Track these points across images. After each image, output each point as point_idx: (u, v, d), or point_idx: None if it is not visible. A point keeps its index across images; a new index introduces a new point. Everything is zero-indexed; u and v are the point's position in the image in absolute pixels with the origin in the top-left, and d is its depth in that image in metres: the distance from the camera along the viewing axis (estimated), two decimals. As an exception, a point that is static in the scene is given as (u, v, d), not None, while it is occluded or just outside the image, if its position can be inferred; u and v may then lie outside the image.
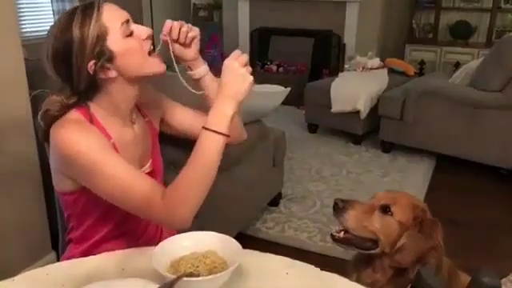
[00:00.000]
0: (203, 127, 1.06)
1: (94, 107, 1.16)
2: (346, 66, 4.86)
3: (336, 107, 3.96)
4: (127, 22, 1.12)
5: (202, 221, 2.01)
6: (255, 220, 2.76)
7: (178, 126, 1.42)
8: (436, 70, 5.34)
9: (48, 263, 1.05)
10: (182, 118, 1.41)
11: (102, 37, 1.09)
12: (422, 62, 5.36)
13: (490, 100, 3.23)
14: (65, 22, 1.09)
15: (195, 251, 0.99)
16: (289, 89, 2.53)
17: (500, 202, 3.03)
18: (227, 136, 1.06)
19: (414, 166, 3.61)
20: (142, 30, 1.15)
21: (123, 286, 0.92)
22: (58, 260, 1.37)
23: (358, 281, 1.21)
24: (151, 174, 1.28)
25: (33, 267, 1.11)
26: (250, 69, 1.09)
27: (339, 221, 1.29)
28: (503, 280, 1.03)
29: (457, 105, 3.37)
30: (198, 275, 0.91)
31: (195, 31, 1.21)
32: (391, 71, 4.53)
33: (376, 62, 4.56)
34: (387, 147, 3.86)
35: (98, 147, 1.07)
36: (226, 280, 0.92)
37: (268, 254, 1.08)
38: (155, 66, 1.16)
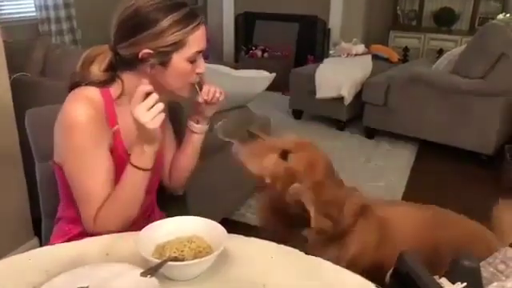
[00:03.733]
0: (129, 163, 1.12)
1: (115, 92, 1.19)
2: (330, 52, 4.86)
3: (321, 93, 3.97)
4: (200, 52, 1.18)
5: (185, 206, 2.03)
6: (240, 205, 2.77)
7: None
8: (420, 56, 5.37)
9: (30, 249, 1.03)
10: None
11: (177, 45, 1.13)
12: (405, 49, 5.38)
13: (473, 87, 3.26)
14: (167, 6, 1.12)
15: (180, 236, 0.99)
16: (274, 74, 2.52)
17: (480, 187, 3.09)
18: (148, 170, 1.13)
19: (397, 152, 3.65)
20: (202, 66, 1.21)
21: (108, 271, 0.91)
22: (41, 245, 1.36)
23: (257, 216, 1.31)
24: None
25: (15, 253, 1.09)
26: (159, 107, 1.06)
27: (236, 150, 1.29)
28: (482, 263, 1.05)
29: (440, 91, 3.41)
30: (183, 259, 0.91)
31: (223, 95, 1.30)
32: (375, 57, 4.55)
33: (361, 48, 4.57)
34: (371, 133, 3.89)
35: (91, 142, 1.12)
36: (210, 264, 0.93)
37: (253, 239, 1.08)
38: (185, 93, 1.24)
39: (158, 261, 0.88)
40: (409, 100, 3.57)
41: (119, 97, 1.19)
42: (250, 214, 2.71)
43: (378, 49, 4.74)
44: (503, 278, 1.12)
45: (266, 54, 5.51)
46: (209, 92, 1.26)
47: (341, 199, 1.28)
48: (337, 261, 1.01)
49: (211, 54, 5.64)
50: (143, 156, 1.11)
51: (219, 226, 1.00)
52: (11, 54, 1.94)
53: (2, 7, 4.22)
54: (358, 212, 1.32)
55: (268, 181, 1.27)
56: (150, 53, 1.12)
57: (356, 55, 4.49)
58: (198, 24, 1.15)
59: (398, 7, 5.69)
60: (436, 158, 3.53)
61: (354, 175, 3.21)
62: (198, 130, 1.36)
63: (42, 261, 0.98)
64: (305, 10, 5.39)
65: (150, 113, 1.04)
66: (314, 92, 3.99)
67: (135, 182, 1.13)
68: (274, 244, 1.06)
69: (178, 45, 1.13)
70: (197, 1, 6.39)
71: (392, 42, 5.52)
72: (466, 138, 3.37)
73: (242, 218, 2.66)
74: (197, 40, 1.15)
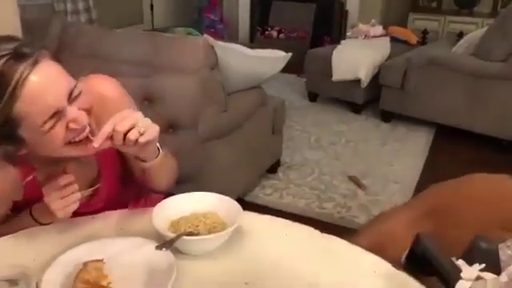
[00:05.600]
0: (30, 212, 1.01)
1: None
2: (348, 34, 4.77)
3: (337, 75, 3.91)
4: (57, 113, 0.86)
5: (199, 185, 2.03)
6: (253, 186, 2.76)
7: None
8: (439, 39, 5.26)
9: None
10: None
11: (13, 122, 0.84)
12: (425, 31, 5.25)
13: (494, 70, 3.18)
14: None
15: (195, 212, 0.99)
16: (290, 54, 2.49)
17: (500, 173, 3.03)
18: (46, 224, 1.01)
19: (413, 136, 3.60)
20: (75, 117, 0.88)
21: (122, 244, 0.92)
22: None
23: None
24: (93, 197, 1.13)
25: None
26: (73, 198, 0.95)
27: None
28: (500, 245, 1.03)
29: (459, 75, 3.33)
30: (198, 234, 0.91)
31: (150, 135, 0.88)
32: (393, 40, 4.45)
33: (378, 29, 4.48)
34: (387, 116, 3.84)
35: None
36: (225, 240, 0.92)
37: (268, 216, 1.08)
38: (78, 152, 0.94)
39: (173, 235, 0.88)
40: (427, 83, 3.50)
41: None
42: (263, 195, 2.71)
43: (397, 31, 4.64)
44: (522, 262, 1.10)
45: (281, 35, 5.44)
46: (113, 138, 0.88)
47: None
48: None
49: (226, 34, 5.60)
50: (48, 216, 0.98)
51: (235, 202, 0.99)
52: (27, 31, 1.94)
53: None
54: None
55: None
56: None
57: (374, 37, 4.39)
58: (24, 78, 0.81)
59: (417, -11, 5.57)
60: (454, 143, 3.46)
61: (370, 158, 3.19)
62: (149, 166, 1.01)
63: (60, 233, 0.99)
64: (322, -10, 5.30)
65: (63, 201, 0.93)
66: (330, 74, 3.94)
67: (25, 226, 1.01)
68: (289, 221, 1.05)
69: (15, 121, 0.84)
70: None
71: (411, 24, 5.41)
72: (485, 123, 3.30)
73: (255, 199, 2.67)
74: (34, 104, 0.83)
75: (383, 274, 0.88)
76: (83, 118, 0.89)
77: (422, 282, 0.96)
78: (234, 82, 2.23)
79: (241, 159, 2.40)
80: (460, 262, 0.95)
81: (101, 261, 0.86)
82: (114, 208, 1.11)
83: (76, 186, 0.96)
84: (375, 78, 3.82)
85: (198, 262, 0.90)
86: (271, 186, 2.81)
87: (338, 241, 0.97)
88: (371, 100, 4.00)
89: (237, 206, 0.98)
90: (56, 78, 0.86)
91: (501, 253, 1.02)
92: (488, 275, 0.90)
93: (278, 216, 1.05)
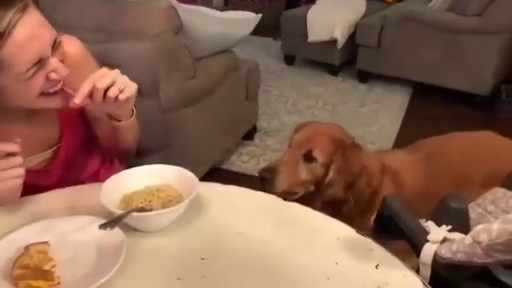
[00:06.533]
0: None
1: None
2: (323, -7, 4.64)
3: (313, 36, 3.82)
4: (43, 59, 0.86)
5: (170, 153, 1.97)
6: (230, 154, 2.72)
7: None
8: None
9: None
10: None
11: None
12: (402, -12, 5.15)
13: (469, 24, 3.14)
14: None
15: (149, 185, 0.93)
16: (260, 15, 2.39)
17: (475, 129, 3.03)
18: None
19: (390, 96, 3.57)
20: (56, 68, 0.88)
21: (71, 224, 0.86)
22: None
23: None
24: (52, 160, 1.09)
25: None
26: (14, 173, 0.86)
27: (272, 191, 1.23)
28: (471, 204, 1.00)
29: (435, 31, 3.28)
30: (151, 210, 0.86)
31: (129, 92, 0.91)
32: (369, -3, 4.34)
33: (354, -13, 4.35)
34: (364, 77, 3.79)
35: None
36: (180, 214, 0.87)
37: (230, 186, 1.02)
38: (53, 104, 0.94)
39: (121, 212, 0.82)
40: (403, 41, 3.45)
41: None
42: (241, 162, 2.67)
43: (373, -12, 4.52)
44: (491, 220, 1.08)
45: (256, -2, 5.28)
46: (93, 95, 0.89)
47: (365, 164, 1.30)
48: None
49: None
50: None
51: (190, 173, 0.93)
52: None
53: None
54: (381, 171, 1.35)
55: (312, 188, 1.30)
56: None
57: (349, -5, 4.28)
58: (11, 26, 0.80)
59: None
60: (430, 100, 3.45)
61: (347, 120, 3.15)
62: (122, 124, 1.03)
63: (2, 214, 0.92)
64: None
65: (1, 174, 0.85)
66: (306, 35, 3.84)
67: None
68: (251, 191, 1.00)
69: None
70: None
71: (388, -19, 5.27)
72: (461, 79, 3.28)
73: (232, 167, 2.62)
74: (21, 51, 0.82)
75: (346, 240, 0.84)
76: (63, 69, 0.89)
77: (390, 245, 0.93)
78: (202, 46, 2.13)
79: (214, 127, 2.33)
80: (429, 224, 0.92)
81: (46, 243, 0.80)
82: (73, 177, 1.09)
83: (20, 160, 0.86)
84: (352, 38, 3.74)
85: (152, 239, 0.85)
86: (248, 153, 2.76)
87: (300, 208, 0.93)
88: (348, 61, 3.94)
89: (193, 177, 0.92)
90: (43, 26, 0.87)
91: (471, 211, 1.00)
92: (456, 235, 0.87)
93: (255, 182, 1.01)
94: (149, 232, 0.86)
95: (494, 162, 1.41)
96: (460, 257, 0.74)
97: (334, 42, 3.75)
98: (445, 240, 0.83)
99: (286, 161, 1.29)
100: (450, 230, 0.85)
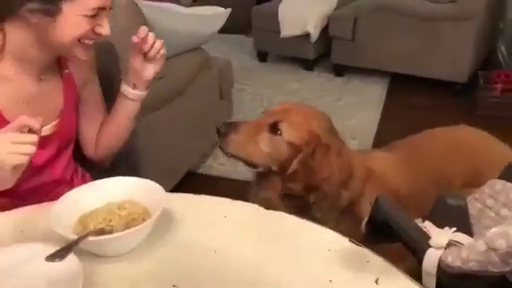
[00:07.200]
0: None
1: None
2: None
3: (285, 31, 3.72)
4: (103, 9, 0.96)
5: (140, 162, 1.84)
6: (206, 157, 2.59)
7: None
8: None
9: None
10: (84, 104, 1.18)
11: None
12: (372, -21, 5.11)
13: (443, 11, 3.09)
14: None
15: (109, 201, 0.81)
16: (229, 10, 2.28)
17: (455, 117, 2.99)
18: None
19: (367, 88, 3.50)
20: (105, 28, 0.99)
21: (18, 253, 0.73)
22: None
23: (256, 195, 1.17)
24: (53, 136, 1.08)
25: None
26: (25, 149, 0.82)
27: (224, 149, 1.13)
28: (468, 198, 0.91)
29: (409, 19, 3.22)
30: (111, 231, 0.73)
31: (164, 50, 1.08)
32: (341, -12, 4.28)
33: (325, -21, 4.28)
34: (340, 70, 3.72)
35: None
36: (147, 233, 0.75)
37: (205, 197, 0.91)
38: (79, 54, 1.02)
39: (75, 237, 0.70)
40: (377, 31, 3.38)
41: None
42: (218, 164, 2.55)
43: (343, -20, 4.46)
44: (492, 214, 1.00)
45: (225, -6, 5.15)
46: (147, 40, 1.03)
47: (349, 165, 1.16)
48: (350, 234, 0.86)
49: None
50: None
51: (157, 185, 0.81)
52: None
53: None
54: (366, 176, 1.21)
55: (268, 161, 1.15)
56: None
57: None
58: None
59: None
60: (409, 91, 3.39)
61: (325, 115, 3.06)
62: (133, 97, 1.12)
63: None
64: None
65: (12, 146, 0.80)
66: (278, 30, 3.75)
67: None
68: (228, 201, 0.89)
69: None
70: None
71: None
72: (438, 68, 3.23)
73: (209, 171, 2.50)
74: None
75: (339, 252, 0.74)
76: (108, 29, 1.00)
77: (385, 251, 0.84)
78: (169, 44, 1.97)
79: (187, 130, 2.21)
80: (426, 224, 0.82)
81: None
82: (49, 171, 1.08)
83: (35, 138, 0.82)
84: (325, 31, 3.67)
85: (116, 265, 0.73)
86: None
87: (285, 218, 0.82)
88: (323, 55, 3.86)
89: (160, 189, 0.80)
90: None
91: (470, 207, 0.91)
92: (460, 237, 0.77)
93: (235, 185, 0.90)
94: (110, 257, 0.74)
95: (470, 159, 1.35)
96: (472, 266, 0.65)
97: (307, 36, 3.65)
98: (450, 244, 0.74)
99: (250, 124, 1.16)
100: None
